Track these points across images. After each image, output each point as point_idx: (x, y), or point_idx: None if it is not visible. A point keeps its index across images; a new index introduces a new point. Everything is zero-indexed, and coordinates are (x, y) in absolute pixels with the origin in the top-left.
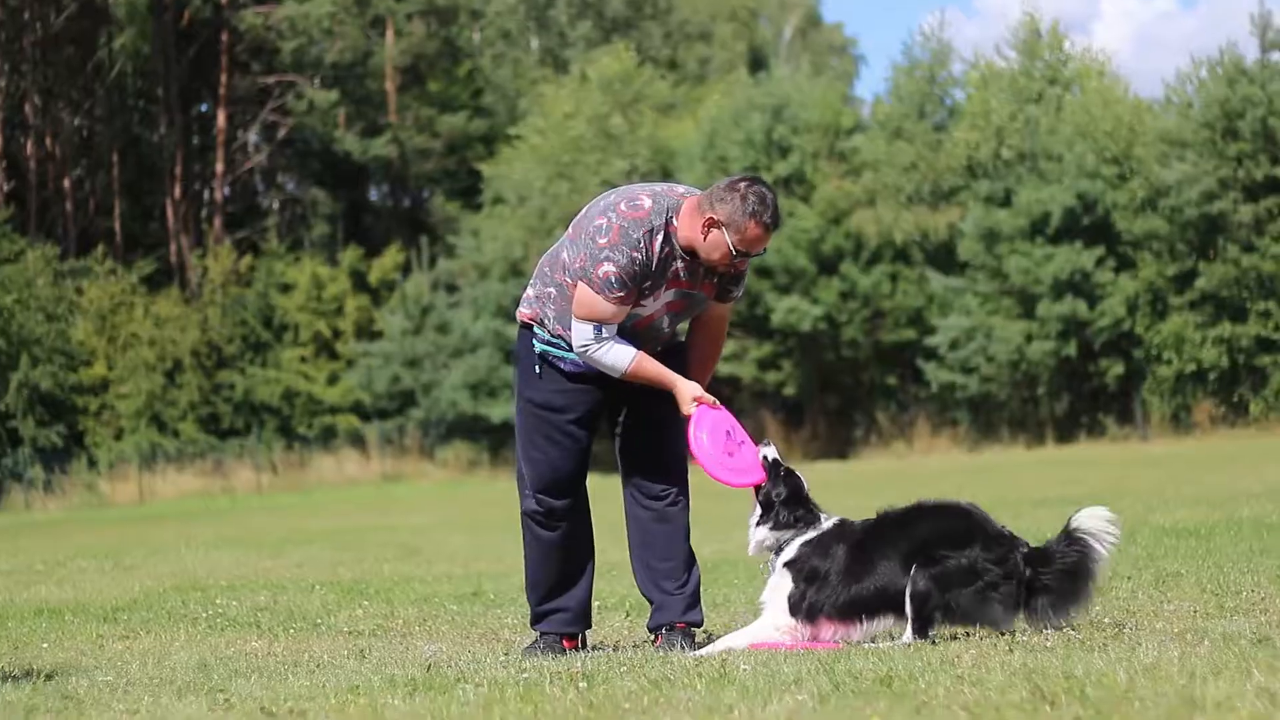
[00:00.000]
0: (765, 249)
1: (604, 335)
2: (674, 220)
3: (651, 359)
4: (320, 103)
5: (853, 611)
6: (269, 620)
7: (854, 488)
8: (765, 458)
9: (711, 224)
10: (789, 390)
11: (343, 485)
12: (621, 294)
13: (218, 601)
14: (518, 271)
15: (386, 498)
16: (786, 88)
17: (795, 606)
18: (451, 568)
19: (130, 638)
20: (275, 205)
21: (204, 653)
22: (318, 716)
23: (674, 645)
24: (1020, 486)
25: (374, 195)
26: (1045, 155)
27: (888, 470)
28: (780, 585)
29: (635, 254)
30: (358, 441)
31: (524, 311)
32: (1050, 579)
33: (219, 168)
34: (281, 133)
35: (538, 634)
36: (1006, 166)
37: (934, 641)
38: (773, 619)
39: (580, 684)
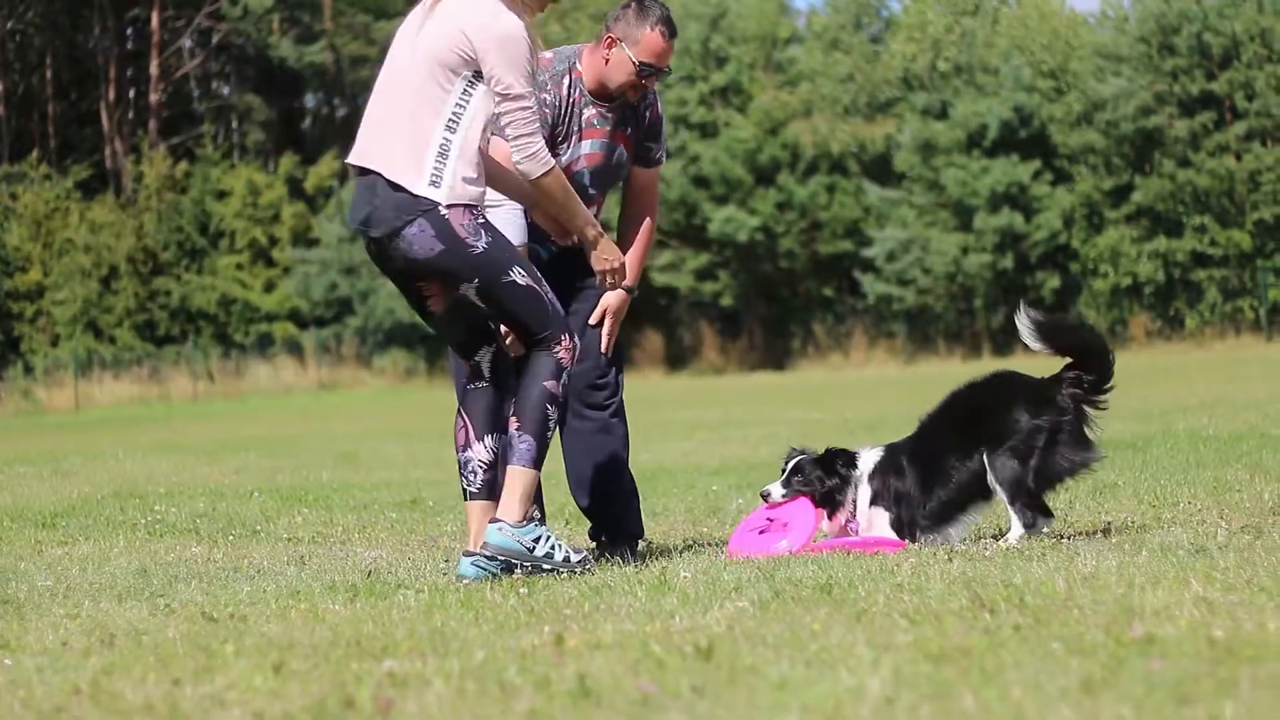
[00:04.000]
0: (669, 67)
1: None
2: (577, 65)
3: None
4: (254, 8)
5: (947, 515)
6: (208, 527)
7: (791, 399)
8: (767, 494)
9: (611, 44)
10: (726, 301)
11: (279, 393)
12: None
13: (156, 508)
14: None
15: (324, 406)
16: None
17: (899, 531)
18: (390, 475)
19: (69, 543)
20: (210, 112)
21: (144, 559)
22: (259, 621)
23: (615, 554)
24: None
25: (310, 102)
26: (982, 68)
27: (824, 381)
28: (879, 522)
29: (543, 95)
30: (295, 349)
31: None
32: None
33: (154, 72)
34: (216, 38)
35: None
36: (943, 79)
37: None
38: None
39: (521, 590)
